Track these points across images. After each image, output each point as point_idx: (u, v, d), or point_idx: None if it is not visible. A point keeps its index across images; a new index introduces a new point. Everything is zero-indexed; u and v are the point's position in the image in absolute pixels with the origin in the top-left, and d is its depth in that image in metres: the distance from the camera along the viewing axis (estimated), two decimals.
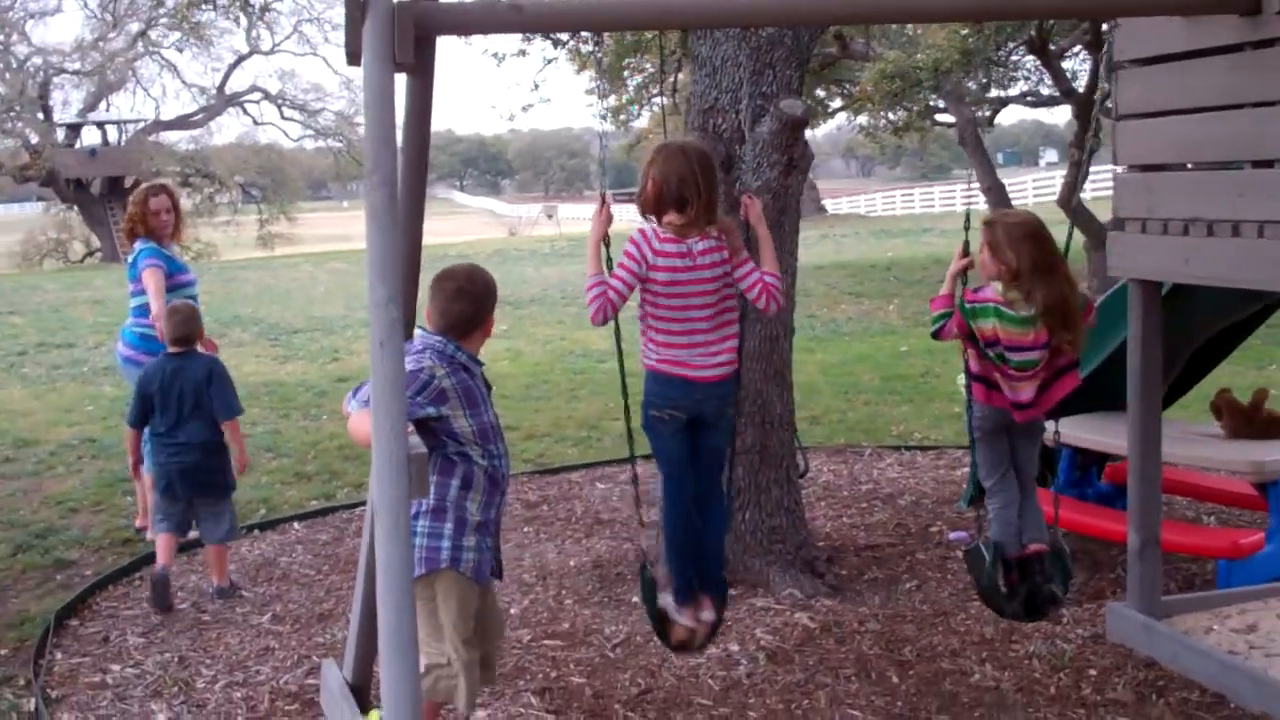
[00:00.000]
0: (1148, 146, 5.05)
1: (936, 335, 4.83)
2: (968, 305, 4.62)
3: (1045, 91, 21.01)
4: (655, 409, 4.38)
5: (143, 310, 7.11)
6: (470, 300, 4.17)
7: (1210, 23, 4.51)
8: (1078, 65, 20.09)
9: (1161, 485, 5.44)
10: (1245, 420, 6.36)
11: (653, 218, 4.32)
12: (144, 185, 7.60)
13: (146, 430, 6.43)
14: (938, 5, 4.35)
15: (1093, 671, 5.03)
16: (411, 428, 3.51)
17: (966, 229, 4.81)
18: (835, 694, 4.90)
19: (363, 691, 4.50)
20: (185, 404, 6.25)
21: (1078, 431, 6.23)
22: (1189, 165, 4.89)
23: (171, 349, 6.40)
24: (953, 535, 6.84)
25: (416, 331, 4.15)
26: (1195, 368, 6.78)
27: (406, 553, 3.03)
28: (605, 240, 4.31)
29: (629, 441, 4.50)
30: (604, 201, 4.35)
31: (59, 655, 5.58)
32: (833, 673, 5.08)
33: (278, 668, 5.35)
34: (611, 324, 4.29)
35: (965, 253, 4.73)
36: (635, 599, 5.94)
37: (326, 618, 5.93)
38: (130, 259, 7.28)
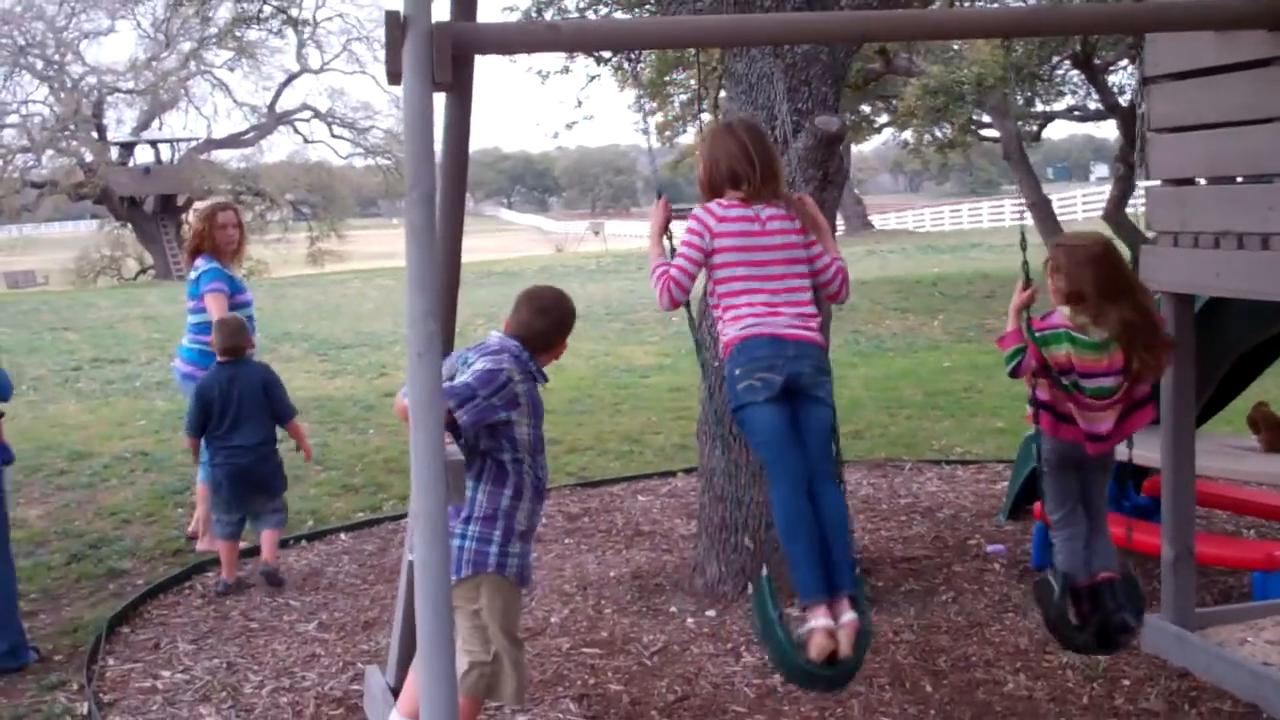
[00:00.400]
0: (1179, 160, 5.09)
1: (1014, 374, 4.47)
2: (1038, 334, 4.40)
3: (1092, 106, 20.99)
4: (745, 379, 3.90)
5: (202, 327, 7.26)
6: (552, 321, 4.28)
7: (1240, 37, 4.55)
8: (1124, 79, 20.06)
9: (1201, 499, 5.45)
10: None
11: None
12: (210, 202, 7.76)
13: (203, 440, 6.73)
14: (970, 22, 4.44)
15: (1126, 682, 5.06)
16: (450, 436, 3.62)
17: (1023, 248, 4.43)
18: (869, 702, 4.96)
19: None
20: (243, 408, 6.63)
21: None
22: (1237, 178, 4.91)
23: (221, 359, 6.72)
24: (990, 548, 6.87)
25: (493, 333, 4.25)
26: (1233, 382, 6.79)
27: (444, 557, 3.13)
28: (667, 232, 4.14)
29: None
30: (661, 195, 4.20)
31: (111, 661, 5.72)
32: (867, 681, 5.13)
33: (323, 674, 5.47)
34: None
35: (1027, 283, 4.46)
36: (673, 609, 6.03)
37: (371, 625, 6.04)
38: (193, 276, 7.43)
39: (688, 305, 4.05)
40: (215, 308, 7.18)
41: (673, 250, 4.06)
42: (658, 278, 4.00)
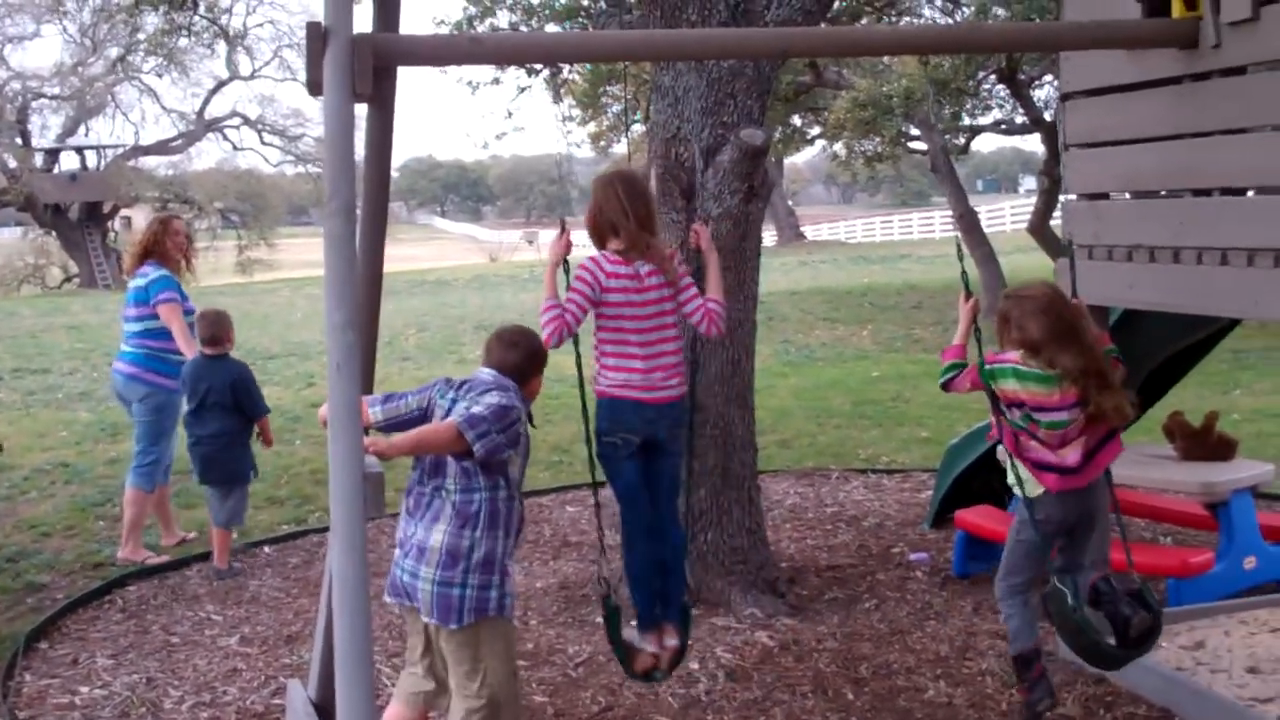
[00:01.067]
0: (1094, 175, 5.19)
1: (945, 386, 4.66)
2: (987, 366, 4.49)
3: (1018, 119, 21.28)
4: (610, 435, 4.46)
5: (149, 334, 7.39)
6: (524, 353, 4.27)
7: (1152, 56, 4.64)
8: (1049, 94, 20.35)
9: (1120, 506, 5.54)
10: (1197, 442, 6.50)
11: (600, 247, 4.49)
12: (163, 212, 7.99)
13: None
14: (888, 39, 4.51)
15: None
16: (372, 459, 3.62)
17: (960, 258, 4.75)
18: (792, 710, 5.00)
19: (327, 710, 4.58)
20: (210, 397, 7.01)
21: None
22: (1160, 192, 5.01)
23: (206, 350, 7.08)
24: (913, 556, 6.95)
25: (483, 370, 4.23)
26: (1150, 391, 6.91)
27: (361, 568, 3.13)
28: (565, 266, 4.41)
29: (591, 468, 4.57)
30: (564, 228, 4.46)
31: (28, 677, 5.64)
32: (790, 690, 5.18)
33: (244, 688, 5.42)
34: (574, 352, 4.40)
35: (968, 293, 4.68)
36: (599, 620, 6.03)
37: (294, 640, 6.00)
38: (141, 283, 7.44)
39: (575, 339, 4.35)
40: (176, 322, 7.33)
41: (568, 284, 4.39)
42: (551, 318, 4.33)
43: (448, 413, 4.03)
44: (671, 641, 4.58)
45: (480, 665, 4.08)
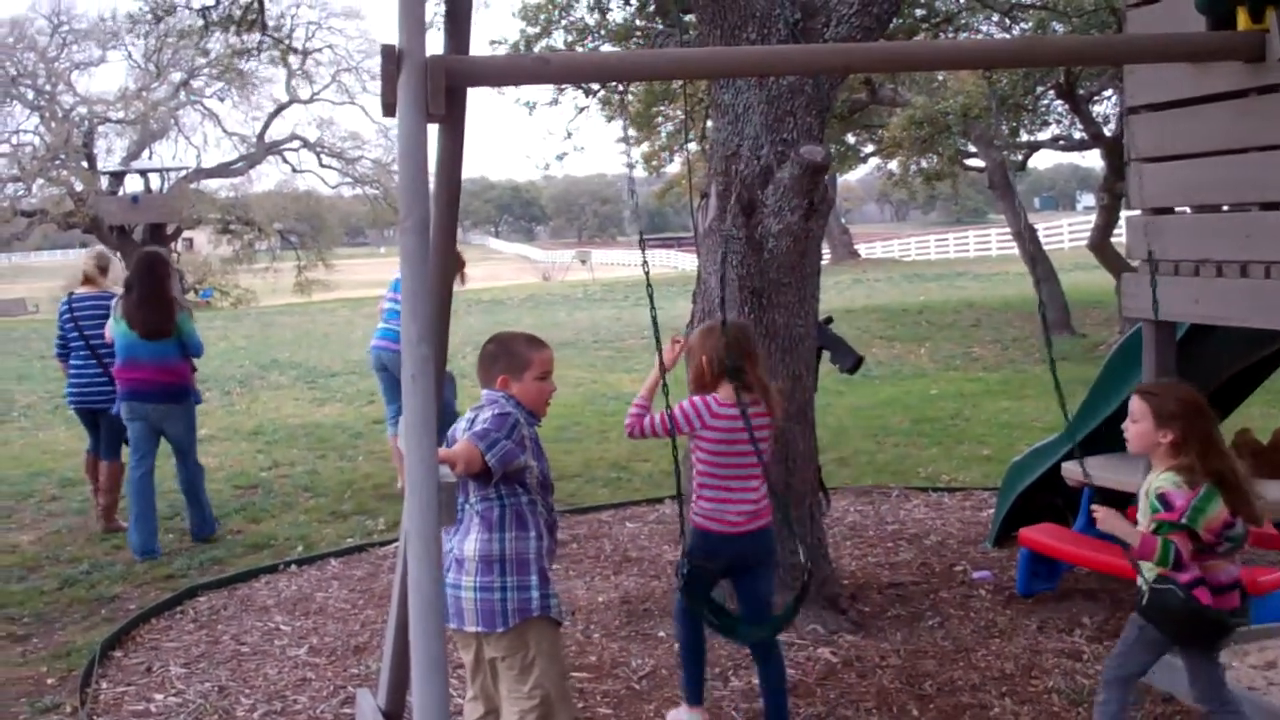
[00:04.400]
0: (1160, 189, 5.18)
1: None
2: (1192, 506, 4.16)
3: (1077, 135, 21.15)
4: (695, 558, 4.73)
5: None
6: (497, 347, 4.33)
7: (1217, 69, 4.65)
8: (1108, 109, 20.24)
9: None
10: (1265, 459, 6.43)
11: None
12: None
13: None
14: (947, 54, 4.53)
15: (1136, 716, 5.10)
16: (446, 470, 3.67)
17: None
18: None
19: (396, 719, 4.65)
20: None
21: (1099, 471, 6.31)
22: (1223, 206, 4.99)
23: None
24: (976, 575, 6.93)
25: (483, 393, 4.31)
26: (1216, 409, 6.85)
27: (437, 577, 3.18)
28: (664, 382, 4.67)
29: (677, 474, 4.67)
30: (674, 342, 4.81)
31: (104, 684, 5.75)
32: (854, 706, 5.18)
33: (314, 697, 5.50)
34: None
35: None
36: (661, 634, 6.07)
37: (361, 650, 6.08)
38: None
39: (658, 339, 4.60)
40: None
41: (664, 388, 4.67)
42: (636, 415, 4.75)
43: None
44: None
45: (530, 666, 4.15)
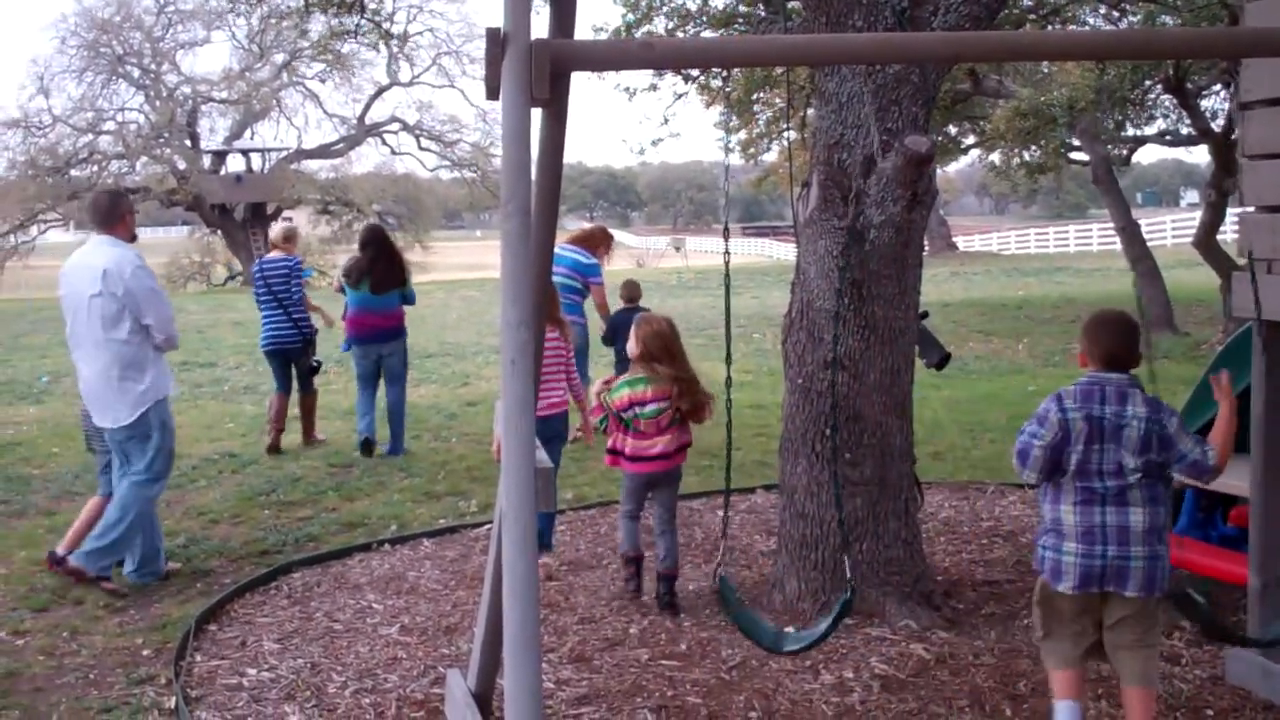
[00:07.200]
0: (1274, 186, 5.04)
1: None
2: None
3: (1183, 130, 20.72)
4: None
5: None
6: None
7: None
8: (1216, 104, 19.79)
9: None
10: None
11: None
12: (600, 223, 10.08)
13: None
14: (1062, 45, 4.43)
15: (1210, 712, 5.00)
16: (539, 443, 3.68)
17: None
18: None
19: (486, 701, 4.68)
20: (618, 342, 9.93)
21: None
22: None
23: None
24: None
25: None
26: None
27: (531, 560, 3.18)
28: None
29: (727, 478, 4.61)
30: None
31: (198, 658, 5.85)
32: (946, 703, 5.12)
33: (404, 676, 5.55)
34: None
35: None
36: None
37: (452, 631, 6.12)
38: (585, 261, 10.88)
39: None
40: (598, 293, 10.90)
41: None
42: None
43: None
44: None
45: (1155, 614, 4.40)
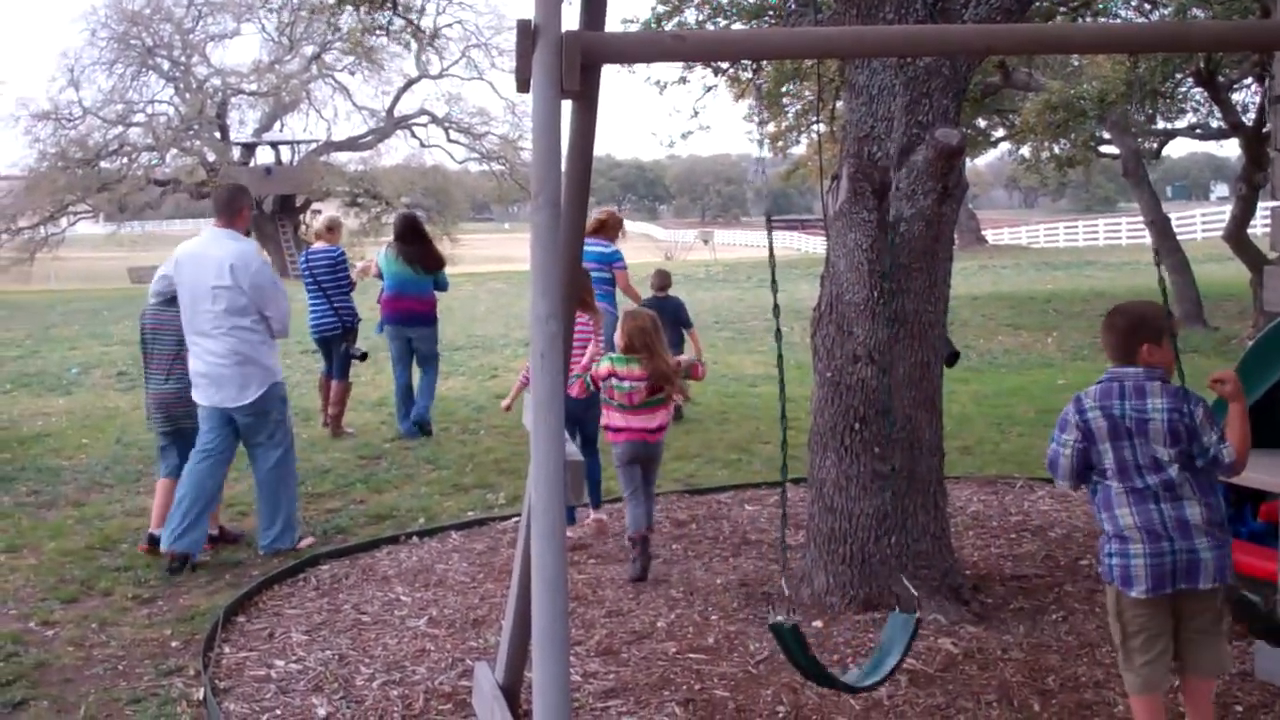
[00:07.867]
0: None
1: None
2: None
3: (1214, 124, 20.57)
4: None
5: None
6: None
7: None
8: (1248, 97, 19.63)
9: None
10: None
11: None
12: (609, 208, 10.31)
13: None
14: (1094, 37, 4.39)
15: (1239, 708, 4.97)
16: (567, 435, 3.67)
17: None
18: (976, 719, 4.92)
19: (514, 693, 4.68)
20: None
21: None
22: None
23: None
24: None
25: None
26: None
27: (560, 554, 3.18)
28: None
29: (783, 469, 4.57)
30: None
31: (227, 649, 5.87)
32: (975, 698, 5.10)
33: (432, 669, 5.56)
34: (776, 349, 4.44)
35: None
36: (780, 617, 6.02)
37: (480, 623, 6.13)
38: (605, 251, 10.97)
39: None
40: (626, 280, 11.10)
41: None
42: None
43: None
44: None
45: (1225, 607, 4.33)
